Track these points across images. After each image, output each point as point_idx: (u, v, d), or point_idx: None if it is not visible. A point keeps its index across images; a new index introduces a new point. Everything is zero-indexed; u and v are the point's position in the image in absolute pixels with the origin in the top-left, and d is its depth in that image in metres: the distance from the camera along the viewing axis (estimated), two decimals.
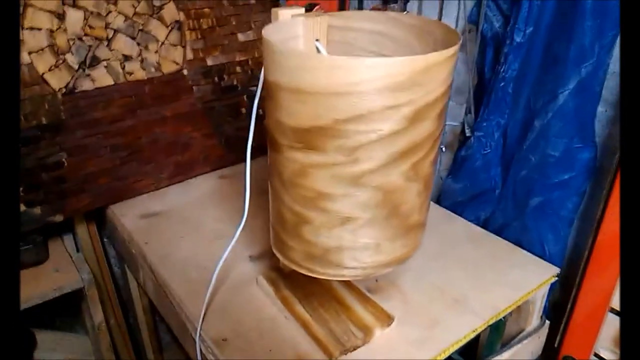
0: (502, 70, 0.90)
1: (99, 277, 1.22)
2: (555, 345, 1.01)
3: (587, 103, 0.85)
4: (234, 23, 1.27)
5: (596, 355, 0.95)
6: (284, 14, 0.61)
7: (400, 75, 0.48)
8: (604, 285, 0.88)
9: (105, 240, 1.30)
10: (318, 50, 0.64)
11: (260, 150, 1.34)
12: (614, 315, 0.90)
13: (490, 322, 0.83)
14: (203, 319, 0.79)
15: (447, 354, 0.76)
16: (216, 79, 1.26)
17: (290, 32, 0.63)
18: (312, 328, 0.76)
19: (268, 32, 0.55)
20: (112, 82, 1.08)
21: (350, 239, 0.57)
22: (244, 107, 1.32)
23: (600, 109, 0.88)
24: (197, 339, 0.79)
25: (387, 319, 0.78)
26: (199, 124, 1.23)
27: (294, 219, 0.59)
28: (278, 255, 0.65)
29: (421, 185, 0.57)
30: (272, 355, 0.75)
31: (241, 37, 1.29)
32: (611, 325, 0.91)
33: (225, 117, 1.29)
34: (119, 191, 1.12)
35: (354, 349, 0.74)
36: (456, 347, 0.78)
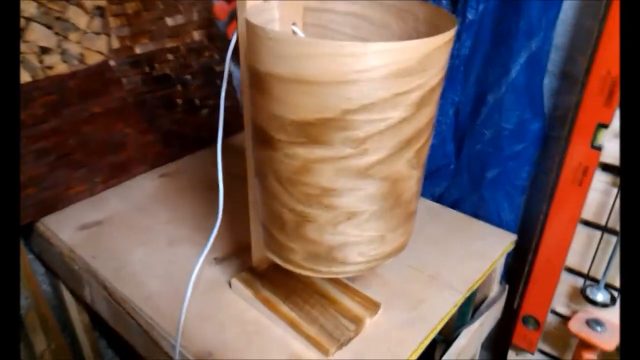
0: (455, 48, 0.90)
1: (34, 300, 1.08)
2: (515, 307, 1.07)
3: (536, 75, 0.88)
4: (161, 7, 1.16)
5: (552, 311, 1.02)
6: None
7: (410, 60, 0.46)
8: (558, 247, 0.94)
9: (29, 257, 1.16)
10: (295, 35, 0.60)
11: (198, 143, 1.26)
12: (567, 273, 0.97)
13: (467, 295, 0.85)
14: (181, 334, 0.73)
15: (436, 332, 0.77)
16: (146, 68, 1.15)
17: (265, 16, 0.58)
18: (301, 327, 0.73)
19: (248, 17, 0.50)
20: (30, 79, 0.95)
21: (356, 233, 0.55)
22: (179, 97, 1.23)
23: (544, 80, 0.92)
24: (176, 358, 0.72)
25: (374, 307, 0.77)
26: (132, 119, 1.13)
27: (295, 219, 0.55)
28: (274, 258, 0.61)
29: (420, 172, 0.56)
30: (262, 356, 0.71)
31: (170, 21, 1.19)
32: (565, 282, 0.98)
33: (160, 109, 1.19)
34: (49, 201, 1.00)
35: (348, 342, 0.73)
36: (443, 323, 0.79)
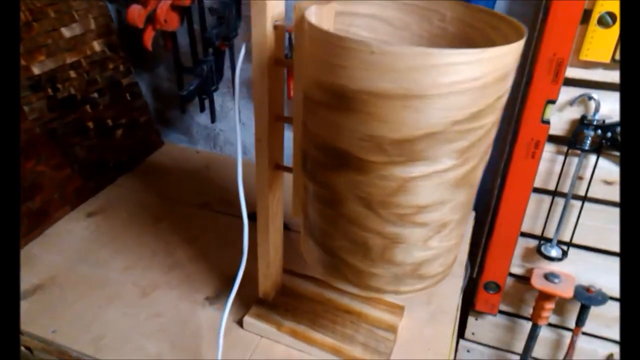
0: None
1: None
2: (474, 276, 1.16)
3: None
4: (53, 15, 0.97)
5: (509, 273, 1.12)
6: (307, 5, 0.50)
7: (509, 63, 0.45)
8: (514, 216, 1.03)
9: None
10: None
11: (119, 169, 1.12)
12: (521, 237, 1.07)
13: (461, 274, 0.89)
14: None
15: (457, 321, 0.79)
16: (49, 90, 0.96)
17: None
18: (343, 350, 0.69)
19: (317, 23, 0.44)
20: None
21: (442, 245, 0.53)
22: (90, 120, 1.05)
23: None
24: None
25: (400, 310, 0.77)
26: (44, 153, 0.93)
27: (383, 243, 0.50)
28: (347, 287, 0.56)
29: None
30: None
31: (66, 32, 1.00)
32: (519, 246, 1.09)
33: (72, 137, 1.01)
34: None
35: (391, 352, 0.71)
36: (459, 310, 0.81)
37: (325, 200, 0.52)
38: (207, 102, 1.20)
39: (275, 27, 0.57)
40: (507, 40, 0.51)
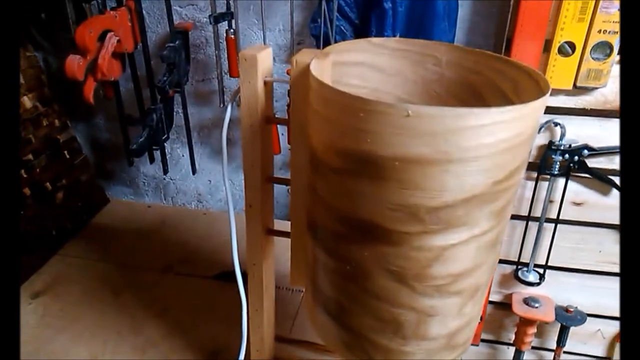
0: None
1: None
2: None
3: None
4: None
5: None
6: (308, 59, 0.44)
7: (540, 116, 0.42)
8: None
9: None
10: None
11: (62, 237, 1.01)
12: (498, 264, 1.06)
13: None
14: None
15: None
16: None
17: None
18: None
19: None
20: None
21: (475, 310, 0.49)
22: (26, 186, 0.93)
23: None
24: None
25: None
26: None
27: (416, 318, 0.45)
28: None
29: None
30: None
31: None
32: (496, 273, 1.08)
33: None
34: None
35: None
36: None
37: (346, 275, 0.47)
38: (156, 153, 1.10)
39: (265, 83, 0.51)
40: (518, 86, 0.49)
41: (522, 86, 0.48)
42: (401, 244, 0.42)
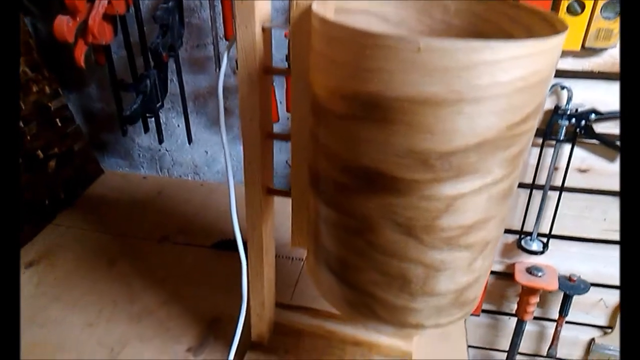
0: None
1: None
2: None
3: None
4: None
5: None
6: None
7: (558, 56, 0.40)
8: None
9: None
10: None
11: (55, 206, 0.99)
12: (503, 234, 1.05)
13: None
14: None
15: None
16: None
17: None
18: None
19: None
20: None
21: (484, 266, 0.47)
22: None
23: None
24: None
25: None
26: None
27: (424, 272, 0.43)
28: (381, 327, 0.48)
29: None
30: None
31: None
32: (499, 242, 1.07)
33: None
34: None
35: None
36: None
37: (350, 229, 0.44)
38: (150, 122, 1.07)
39: (264, 30, 0.48)
40: (532, 33, 0.46)
41: (536, 32, 0.45)
42: (409, 194, 0.40)
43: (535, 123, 0.41)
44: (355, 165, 0.41)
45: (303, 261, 0.86)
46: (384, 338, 0.68)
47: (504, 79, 0.35)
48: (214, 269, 0.84)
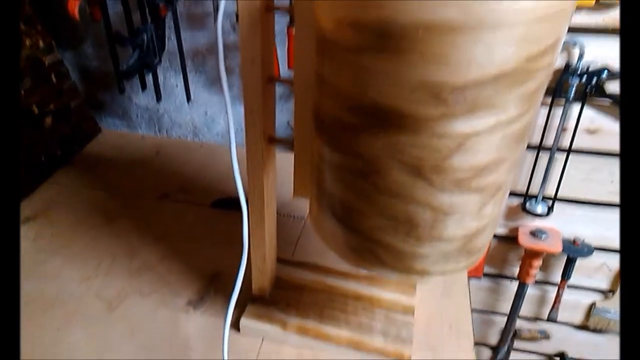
0: None
1: None
2: None
3: None
4: None
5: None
6: None
7: None
8: None
9: None
10: None
11: (52, 164, 0.97)
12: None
13: None
14: None
15: (469, 292, 0.73)
16: None
17: None
18: (363, 342, 0.61)
19: None
20: None
21: (494, 212, 0.45)
22: None
23: None
24: None
25: (411, 288, 0.69)
26: None
27: (432, 216, 0.42)
28: (385, 273, 0.47)
29: None
30: None
31: None
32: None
33: None
34: None
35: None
36: (466, 279, 0.75)
37: (355, 172, 0.42)
38: (148, 79, 1.05)
39: None
40: None
41: None
42: (420, 131, 0.38)
43: (553, 60, 0.39)
44: (362, 102, 0.39)
45: (305, 219, 0.85)
46: (386, 293, 0.67)
47: (525, 4, 0.33)
48: (214, 227, 0.83)
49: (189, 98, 1.06)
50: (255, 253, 0.62)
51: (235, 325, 0.64)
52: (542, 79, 0.39)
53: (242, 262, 0.54)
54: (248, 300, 0.65)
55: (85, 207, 0.87)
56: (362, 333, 0.62)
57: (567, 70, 0.87)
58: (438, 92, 0.36)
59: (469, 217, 0.43)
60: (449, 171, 0.39)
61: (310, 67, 0.47)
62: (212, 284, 0.72)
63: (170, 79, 1.14)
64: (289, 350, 0.62)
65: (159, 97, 1.04)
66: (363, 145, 0.41)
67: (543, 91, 0.40)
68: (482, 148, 0.39)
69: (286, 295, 0.66)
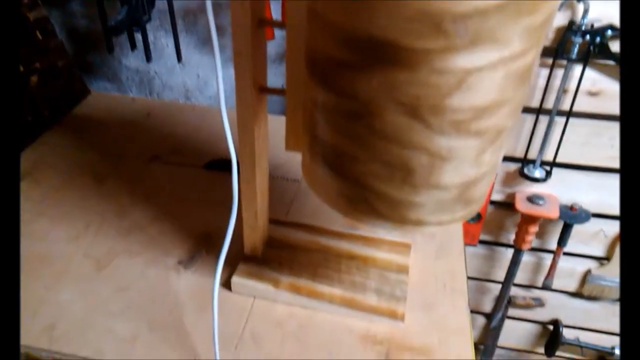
0: None
1: None
2: None
3: None
4: None
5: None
6: None
7: None
8: None
9: None
10: None
11: (39, 125, 0.95)
12: (502, 161, 1.02)
13: None
14: None
15: (464, 251, 0.72)
16: None
17: None
18: (355, 300, 0.60)
19: None
20: None
21: (492, 160, 0.43)
22: None
23: None
24: None
25: (406, 248, 0.68)
26: None
27: (429, 161, 0.40)
28: (378, 224, 0.45)
29: None
30: (334, 357, 0.56)
31: None
32: (499, 170, 1.03)
33: None
34: None
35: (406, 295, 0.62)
36: (463, 240, 0.74)
37: (349, 114, 0.40)
38: (138, 39, 1.01)
39: None
40: None
41: None
42: (418, 67, 0.35)
43: None
44: (357, 35, 0.36)
45: (299, 181, 0.83)
46: (381, 253, 0.66)
47: None
48: (206, 188, 0.81)
49: (179, 58, 1.03)
50: (247, 211, 0.60)
51: (227, 285, 0.63)
52: (548, 14, 0.36)
53: (231, 216, 0.52)
54: (238, 259, 0.64)
55: (73, 168, 0.84)
56: (355, 291, 0.61)
57: (571, 28, 0.84)
58: (439, 22, 0.33)
59: (467, 163, 0.41)
60: (448, 111, 0.37)
61: (301, 6, 0.44)
62: (203, 244, 0.70)
63: (160, 39, 1.10)
64: (281, 308, 0.61)
65: (149, 58, 1.01)
66: (358, 84, 0.38)
67: (547, 29, 0.38)
68: (484, 86, 0.37)
69: (279, 255, 0.65)
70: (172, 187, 0.82)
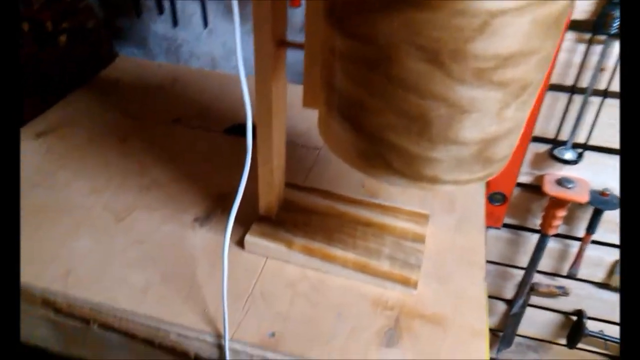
0: None
1: None
2: None
3: None
4: None
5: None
6: None
7: None
8: (529, 118, 0.93)
9: None
10: None
11: (68, 83, 0.96)
12: (532, 142, 0.98)
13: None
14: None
15: (484, 227, 0.70)
16: None
17: None
18: (369, 265, 0.59)
19: None
20: None
21: (517, 116, 0.41)
22: (24, 20, 0.85)
23: None
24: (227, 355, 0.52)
25: (424, 219, 0.66)
26: None
27: (448, 113, 0.38)
28: (393, 180, 0.44)
29: None
30: (343, 319, 0.55)
31: None
32: (528, 151, 1.00)
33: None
34: None
35: (421, 264, 0.61)
36: (484, 215, 0.72)
37: (366, 61, 0.39)
38: (166, 3, 1.01)
39: None
40: None
41: None
42: (440, 7, 0.34)
43: None
44: None
45: (319, 149, 0.82)
46: (398, 221, 0.65)
47: None
48: (227, 152, 0.81)
49: (206, 23, 1.03)
50: (263, 167, 0.59)
51: (241, 244, 0.63)
52: None
53: (244, 170, 0.51)
54: (253, 219, 0.64)
55: (98, 127, 0.86)
56: (369, 257, 0.60)
57: (611, 1, 0.80)
58: None
59: (489, 118, 0.39)
60: (470, 58, 0.35)
61: None
62: (220, 204, 0.70)
63: (189, 5, 1.10)
64: (293, 269, 0.60)
65: (175, 22, 1.01)
66: (377, 27, 0.37)
67: None
68: (509, 32, 0.35)
69: (294, 217, 0.64)
70: (193, 149, 0.82)
